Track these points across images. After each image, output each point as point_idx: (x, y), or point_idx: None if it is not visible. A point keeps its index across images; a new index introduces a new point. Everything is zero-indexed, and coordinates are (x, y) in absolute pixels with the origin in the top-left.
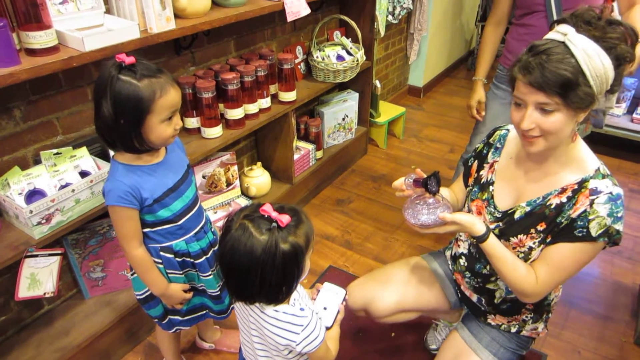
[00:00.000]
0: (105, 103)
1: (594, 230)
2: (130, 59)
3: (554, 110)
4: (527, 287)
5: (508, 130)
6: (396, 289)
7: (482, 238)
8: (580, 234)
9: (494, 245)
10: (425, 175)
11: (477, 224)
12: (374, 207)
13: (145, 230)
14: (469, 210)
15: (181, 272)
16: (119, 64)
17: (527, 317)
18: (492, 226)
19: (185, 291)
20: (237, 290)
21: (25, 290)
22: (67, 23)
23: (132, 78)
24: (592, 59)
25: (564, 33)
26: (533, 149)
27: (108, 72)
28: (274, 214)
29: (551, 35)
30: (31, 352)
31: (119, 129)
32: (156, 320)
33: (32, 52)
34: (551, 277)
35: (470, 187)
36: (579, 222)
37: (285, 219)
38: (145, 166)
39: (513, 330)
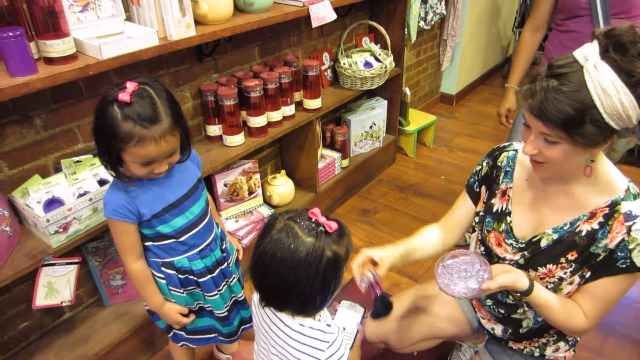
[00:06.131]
0: (94, 114)
1: (638, 259)
2: (123, 96)
3: (557, 142)
4: (577, 326)
5: (516, 150)
6: (414, 321)
7: (527, 292)
8: (623, 265)
9: (540, 296)
10: (377, 289)
11: (519, 279)
12: (400, 218)
13: (147, 243)
14: (482, 242)
15: (182, 291)
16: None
17: (547, 339)
18: (516, 257)
19: (185, 315)
20: (270, 294)
21: (42, 298)
22: (88, 31)
23: (120, 112)
24: (609, 97)
25: (587, 58)
26: (540, 174)
27: (109, 93)
28: (322, 219)
29: (577, 53)
30: (51, 358)
31: (97, 144)
32: (164, 330)
33: (49, 61)
34: (599, 311)
35: (482, 215)
36: (619, 253)
37: (333, 225)
38: (147, 180)
39: (536, 354)
